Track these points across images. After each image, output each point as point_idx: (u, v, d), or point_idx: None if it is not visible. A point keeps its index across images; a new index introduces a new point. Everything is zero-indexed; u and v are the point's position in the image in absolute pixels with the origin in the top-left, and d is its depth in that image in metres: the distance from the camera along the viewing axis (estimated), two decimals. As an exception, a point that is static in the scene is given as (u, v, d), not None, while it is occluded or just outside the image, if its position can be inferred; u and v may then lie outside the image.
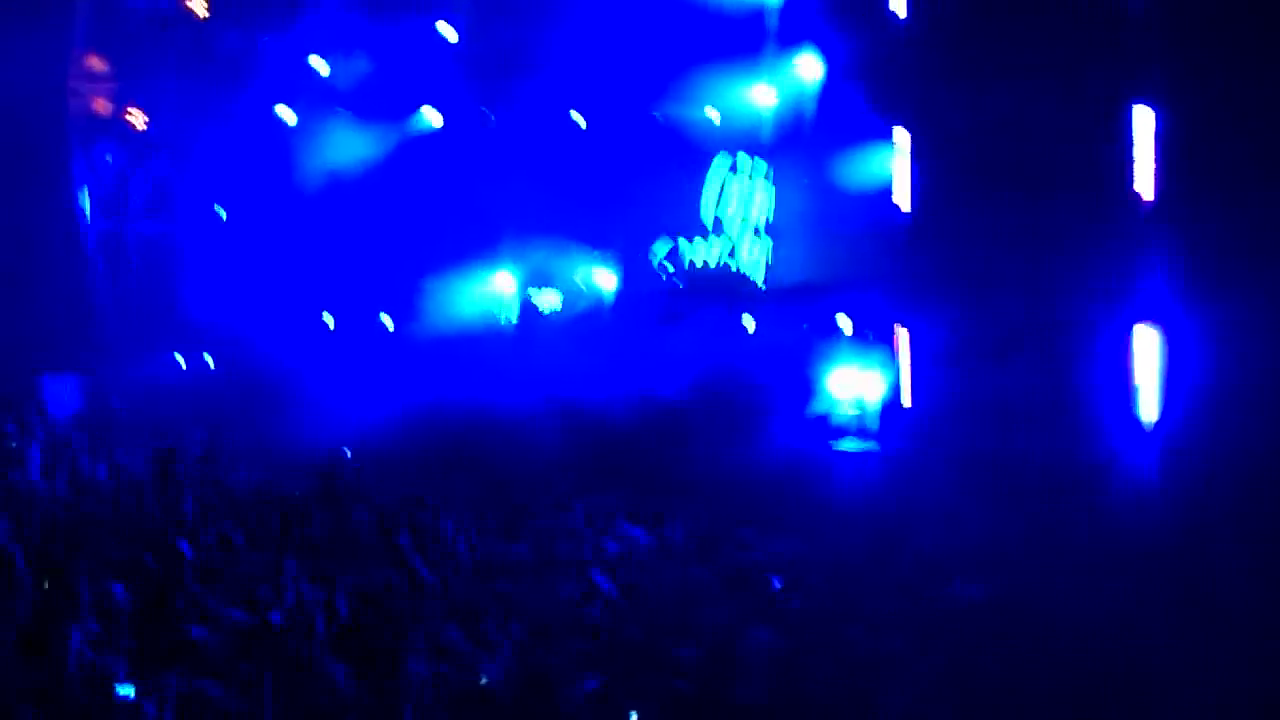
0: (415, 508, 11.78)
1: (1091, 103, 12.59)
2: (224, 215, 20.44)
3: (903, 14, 14.19)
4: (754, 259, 19.52)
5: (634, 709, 7.88)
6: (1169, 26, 12.12)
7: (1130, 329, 12.05)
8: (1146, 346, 11.89)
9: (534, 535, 12.02)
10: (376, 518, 11.69)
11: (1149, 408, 11.78)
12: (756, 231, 19.71)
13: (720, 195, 20.22)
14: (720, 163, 20.05)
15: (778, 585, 10.07)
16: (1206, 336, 11.59)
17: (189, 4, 19.09)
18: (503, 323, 20.04)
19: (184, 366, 19.82)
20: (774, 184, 19.61)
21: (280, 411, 15.96)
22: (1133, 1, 12.39)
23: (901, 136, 14.21)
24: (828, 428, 15.18)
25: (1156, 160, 12.16)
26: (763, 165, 19.59)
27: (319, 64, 20.30)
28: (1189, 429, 11.50)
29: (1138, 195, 12.16)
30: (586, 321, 19.25)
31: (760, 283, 19.29)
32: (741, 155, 19.70)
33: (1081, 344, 12.36)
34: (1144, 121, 12.20)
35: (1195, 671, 8.61)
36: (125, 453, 14.27)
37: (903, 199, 14.19)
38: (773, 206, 19.68)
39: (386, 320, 20.41)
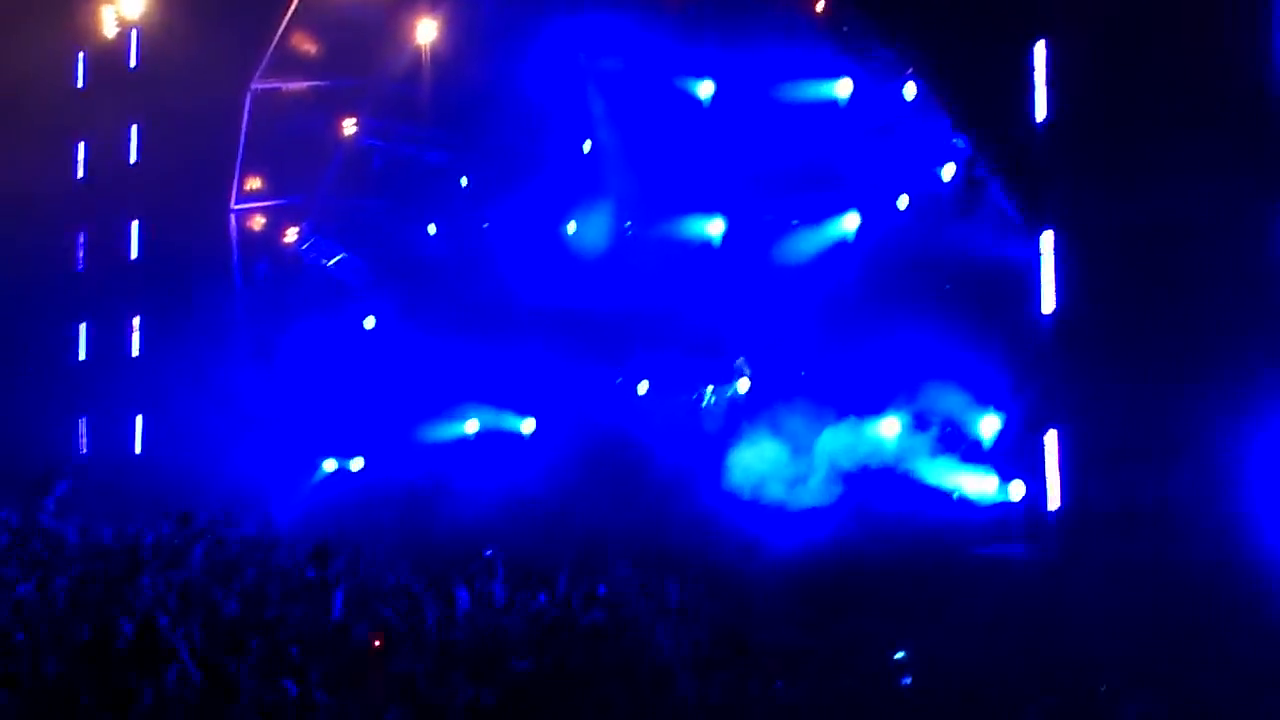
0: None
1: (1241, 201, 12.41)
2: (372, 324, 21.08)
3: (1042, 114, 14.20)
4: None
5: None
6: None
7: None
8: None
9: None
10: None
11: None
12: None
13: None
14: None
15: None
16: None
17: (344, 129, 19.97)
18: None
19: (334, 470, 20.34)
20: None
21: (431, 513, 16.26)
22: (1276, 101, 12.27)
23: (1045, 238, 14.09)
24: (967, 529, 14.82)
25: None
26: None
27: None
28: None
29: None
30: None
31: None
32: None
33: (1242, 448, 12.01)
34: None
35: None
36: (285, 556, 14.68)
37: (1047, 301, 14.02)
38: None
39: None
